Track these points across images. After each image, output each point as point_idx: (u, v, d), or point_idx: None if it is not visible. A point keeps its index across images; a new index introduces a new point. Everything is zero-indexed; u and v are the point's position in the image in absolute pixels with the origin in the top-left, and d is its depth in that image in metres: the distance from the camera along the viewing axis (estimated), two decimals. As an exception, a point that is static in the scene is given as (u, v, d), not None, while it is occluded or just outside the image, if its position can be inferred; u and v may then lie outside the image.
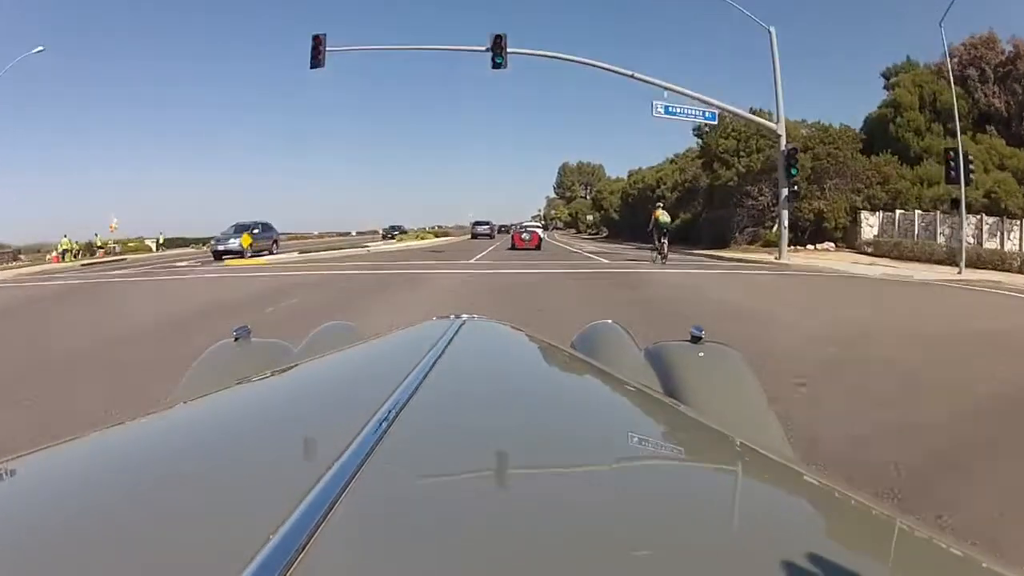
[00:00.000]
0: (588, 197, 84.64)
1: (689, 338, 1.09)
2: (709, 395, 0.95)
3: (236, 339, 1.18)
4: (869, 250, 18.94)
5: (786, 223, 16.37)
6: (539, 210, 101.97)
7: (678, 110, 16.31)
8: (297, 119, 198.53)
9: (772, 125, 16.61)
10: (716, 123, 18.10)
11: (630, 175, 47.14)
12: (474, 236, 43.84)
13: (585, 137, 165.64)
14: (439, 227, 72.67)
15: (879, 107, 23.54)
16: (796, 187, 16.74)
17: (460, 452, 0.51)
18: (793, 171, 16.11)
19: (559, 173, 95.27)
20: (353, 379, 0.81)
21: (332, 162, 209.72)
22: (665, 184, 35.05)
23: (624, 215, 44.95)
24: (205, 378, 1.05)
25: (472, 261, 16.57)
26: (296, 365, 0.95)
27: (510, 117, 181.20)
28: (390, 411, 0.53)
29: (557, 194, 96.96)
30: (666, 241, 15.68)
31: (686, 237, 26.30)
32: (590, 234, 65.53)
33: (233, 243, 21.38)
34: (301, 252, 23.38)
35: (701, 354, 1.06)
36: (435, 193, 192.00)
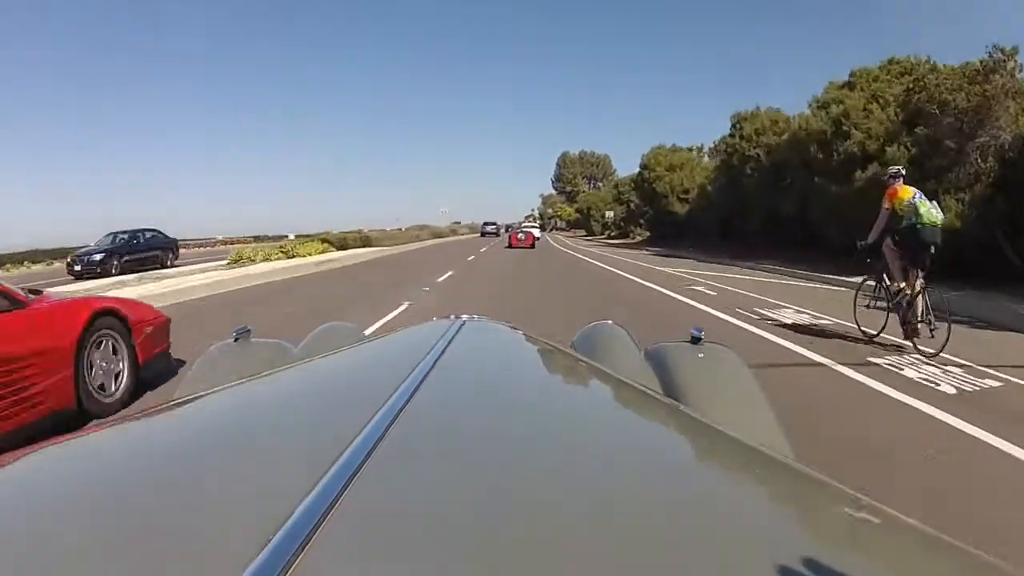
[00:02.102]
0: (593, 189, 67.25)
1: (689, 339, 1.10)
2: (709, 396, 0.95)
3: (236, 339, 1.18)
4: None
5: None
6: (533, 209, 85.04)
7: None
8: (291, 119, 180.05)
9: None
10: None
11: (736, 122, 21.33)
12: (483, 234, 50.14)
13: (584, 132, 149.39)
14: (416, 227, 49.70)
15: None
16: None
17: (460, 452, 0.51)
18: None
19: (558, 165, 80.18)
20: (353, 379, 0.81)
21: (319, 162, 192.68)
22: (861, 127, 13.11)
23: (714, 202, 23.47)
24: (205, 378, 1.05)
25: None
26: (296, 365, 0.96)
27: (507, 114, 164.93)
28: (390, 411, 0.53)
29: (556, 188, 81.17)
30: (921, 283, 4.72)
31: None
32: (612, 237, 46.80)
33: None
34: None
35: (701, 355, 1.06)
36: (418, 192, 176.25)
